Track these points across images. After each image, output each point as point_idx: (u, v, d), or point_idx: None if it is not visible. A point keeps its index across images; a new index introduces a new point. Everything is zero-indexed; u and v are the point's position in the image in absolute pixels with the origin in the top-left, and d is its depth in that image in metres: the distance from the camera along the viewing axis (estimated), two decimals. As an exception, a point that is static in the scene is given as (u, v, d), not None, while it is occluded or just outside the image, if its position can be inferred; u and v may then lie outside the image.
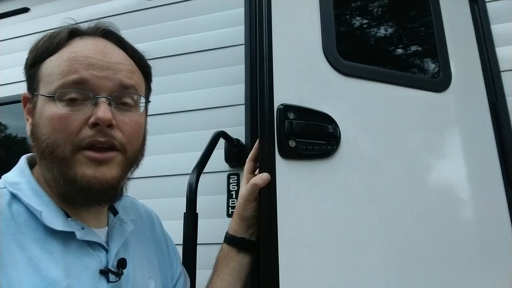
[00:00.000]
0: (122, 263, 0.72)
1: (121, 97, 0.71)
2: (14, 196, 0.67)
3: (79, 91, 0.67)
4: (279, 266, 0.85)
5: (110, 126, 0.68)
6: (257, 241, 0.93)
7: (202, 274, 0.99)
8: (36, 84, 0.71)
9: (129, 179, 0.75)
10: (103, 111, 0.66)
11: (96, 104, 0.67)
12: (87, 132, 0.66)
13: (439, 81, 1.24)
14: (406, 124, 1.12)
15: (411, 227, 1.02)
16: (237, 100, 1.57)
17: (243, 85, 1.43)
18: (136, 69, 0.77)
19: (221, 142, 1.43)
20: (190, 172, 1.20)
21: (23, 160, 0.75)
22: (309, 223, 0.91)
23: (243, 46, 1.49)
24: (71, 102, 0.67)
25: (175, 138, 1.65)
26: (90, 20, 0.77)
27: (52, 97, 0.67)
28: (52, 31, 0.74)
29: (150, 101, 0.81)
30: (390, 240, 0.98)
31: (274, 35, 0.98)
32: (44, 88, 0.69)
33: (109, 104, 0.68)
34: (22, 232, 0.63)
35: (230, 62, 1.65)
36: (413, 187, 1.07)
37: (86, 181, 0.66)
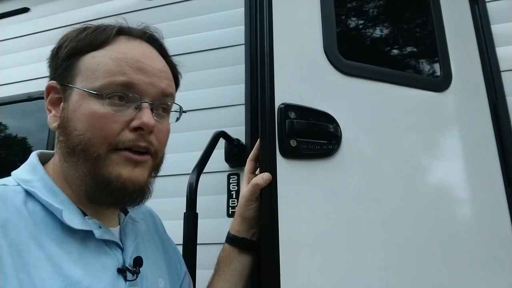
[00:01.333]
0: (138, 262, 0.72)
1: (160, 104, 0.72)
2: (28, 194, 0.65)
3: (125, 93, 0.67)
4: (280, 266, 0.84)
5: (151, 132, 0.69)
6: (259, 241, 0.93)
7: (202, 274, 0.99)
8: (72, 77, 0.69)
9: (153, 183, 0.76)
10: (148, 116, 0.67)
11: (139, 108, 0.68)
12: (127, 135, 0.67)
13: (439, 81, 1.24)
14: (406, 123, 1.12)
15: (411, 227, 1.02)
16: (237, 100, 1.56)
17: (243, 85, 1.43)
18: (172, 78, 0.78)
19: (221, 142, 1.43)
20: (190, 172, 1.20)
21: (34, 156, 0.73)
22: (310, 222, 0.91)
23: (243, 46, 1.49)
24: (114, 102, 0.66)
25: (175, 138, 1.64)
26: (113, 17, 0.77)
27: (95, 94, 0.66)
28: (96, 25, 0.73)
29: (185, 111, 0.81)
30: (390, 240, 0.98)
31: (275, 35, 0.98)
32: (85, 83, 0.67)
33: (152, 109, 0.69)
34: (40, 231, 0.62)
35: (230, 62, 1.65)
36: (413, 186, 1.07)
37: (122, 182, 0.66)
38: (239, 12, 1.61)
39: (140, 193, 0.70)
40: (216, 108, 1.64)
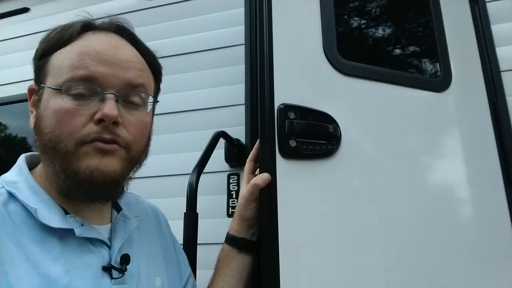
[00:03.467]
0: (125, 259, 0.71)
1: (129, 95, 0.70)
2: (11, 195, 0.66)
3: (86, 86, 0.66)
4: (280, 266, 0.84)
5: (115, 123, 0.66)
6: (258, 241, 0.93)
7: (202, 274, 0.99)
8: (44, 76, 0.70)
9: (131, 178, 0.74)
10: (109, 107, 0.65)
11: (103, 100, 0.66)
12: (92, 127, 0.65)
13: (439, 81, 1.24)
14: (406, 124, 1.12)
15: (411, 227, 1.02)
16: (237, 100, 1.56)
17: (243, 85, 1.43)
18: (147, 68, 0.76)
19: (221, 142, 1.43)
20: (190, 172, 1.20)
21: (21, 159, 0.74)
22: (309, 223, 0.91)
23: (243, 46, 1.49)
24: (78, 96, 0.66)
25: (175, 138, 1.65)
26: (106, 17, 0.77)
27: (59, 90, 0.66)
28: (65, 23, 0.73)
29: (158, 101, 0.80)
30: (390, 240, 0.98)
31: (275, 35, 0.98)
32: (52, 80, 0.68)
33: (116, 101, 0.67)
34: (19, 230, 0.63)
35: (230, 62, 1.65)
36: (413, 187, 1.07)
37: (89, 172, 0.65)
38: (239, 12, 1.61)
39: (112, 185, 0.68)
40: (216, 108, 1.64)
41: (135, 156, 0.72)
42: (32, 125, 0.71)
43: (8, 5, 2.14)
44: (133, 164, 0.73)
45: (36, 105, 0.71)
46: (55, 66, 0.69)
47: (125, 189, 0.74)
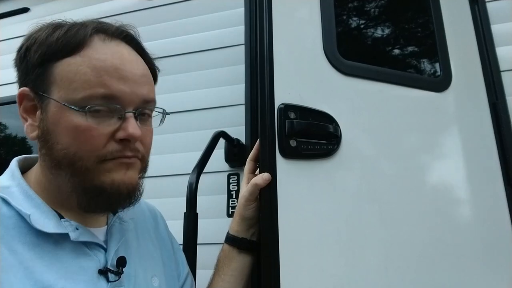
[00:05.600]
0: (121, 262, 0.71)
1: (143, 110, 0.70)
2: (4, 201, 0.65)
3: (106, 105, 0.64)
4: (280, 266, 0.84)
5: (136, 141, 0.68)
6: (258, 241, 0.93)
7: (202, 274, 0.99)
8: (47, 86, 0.65)
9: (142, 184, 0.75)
10: (134, 127, 0.65)
11: (123, 118, 0.66)
12: (114, 146, 0.65)
13: (439, 81, 1.24)
14: (406, 123, 1.12)
15: (411, 227, 1.02)
16: (237, 100, 1.57)
17: (243, 85, 1.43)
18: (152, 81, 0.76)
19: (221, 142, 1.43)
20: (190, 172, 1.20)
21: (14, 163, 0.72)
22: (310, 222, 0.91)
23: (243, 46, 1.49)
24: (96, 113, 0.64)
25: (175, 138, 1.65)
26: (106, 17, 0.74)
27: (73, 108, 0.63)
28: (67, 23, 0.69)
29: (169, 113, 0.79)
30: (390, 240, 0.98)
31: (275, 35, 0.98)
32: (62, 94, 0.64)
33: (135, 118, 0.67)
34: (12, 236, 0.62)
35: (230, 62, 1.65)
36: (413, 186, 1.07)
37: (116, 186, 0.66)
38: (239, 12, 1.61)
39: (133, 194, 0.70)
40: (216, 108, 1.64)
41: (145, 165, 0.74)
42: (32, 136, 0.68)
43: (8, 5, 2.14)
44: (144, 172, 0.74)
45: (31, 112, 0.68)
46: (64, 77, 0.64)
47: (141, 194, 0.74)
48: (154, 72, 0.78)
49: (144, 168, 0.73)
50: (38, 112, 0.67)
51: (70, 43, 0.65)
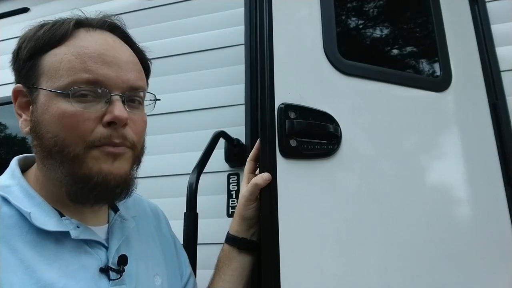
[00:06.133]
0: (123, 260, 0.71)
1: (131, 97, 0.70)
2: (4, 200, 0.65)
3: (92, 89, 0.65)
4: (280, 266, 0.84)
5: (124, 125, 0.67)
6: (258, 241, 0.93)
7: (202, 274, 0.99)
8: (36, 78, 0.67)
9: (136, 176, 0.75)
10: (120, 109, 0.65)
11: (109, 102, 0.66)
12: (101, 131, 0.65)
13: (439, 81, 1.24)
14: (406, 123, 1.12)
15: (411, 227, 1.02)
16: (237, 100, 1.57)
17: (243, 85, 1.43)
18: (141, 66, 0.76)
19: (221, 142, 1.43)
20: (190, 172, 1.20)
21: (14, 162, 0.73)
22: (310, 222, 0.91)
23: (243, 46, 1.49)
24: (82, 98, 0.65)
25: (175, 138, 1.65)
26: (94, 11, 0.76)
27: (61, 93, 0.64)
28: (53, 20, 0.70)
29: (159, 99, 0.78)
30: (390, 240, 0.98)
31: (275, 34, 0.98)
32: (49, 83, 0.65)
33: (123, 102, 0.67)
34: (13, 235, 0.62)
35: (230, 62, 1.65)
36: (413, 186, 1.07)
37: (103, 176, 0.65)
38: (239, 12, 1.61)
39: (124, 186, 0.69)
40: (216, 108, 1.64)
41: (139, 154, 0.73)
42: (26, 130, 0.69)
43: (8, 5, 2.14)
44: (137, 163, 0.74)
45: (25, 107, 0.69)
46: (51, 67, 0.66)
47: (134, 187, 0.74)
48: (145, 62, 0.78)
49: (136, 159, 0.72)
50: (31, 107, 0.68)
51: (55, 35, 0.67)
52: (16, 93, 0.70)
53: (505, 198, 1.17)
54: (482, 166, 1.19)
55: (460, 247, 1.07)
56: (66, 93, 0.64)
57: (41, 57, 0.67)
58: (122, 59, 0.69)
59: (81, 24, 0.70)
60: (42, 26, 0.70)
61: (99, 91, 0.65)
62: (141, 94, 0.73)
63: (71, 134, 0.64)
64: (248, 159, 1.01)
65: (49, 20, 0.71)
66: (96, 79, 0.65)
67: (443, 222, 1.07)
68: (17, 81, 0.71)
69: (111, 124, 0.65)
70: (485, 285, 1.07)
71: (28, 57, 0.68)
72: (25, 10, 2.10)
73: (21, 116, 0.70)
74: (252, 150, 1.01)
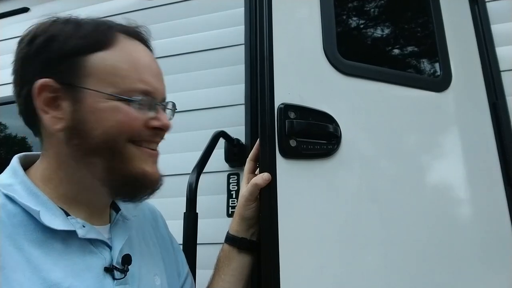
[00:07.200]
0: (127, 260, 0.71)
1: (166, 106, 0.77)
2: (8, 198, 0.64)
3: (144, 97, 0.70)
4: (280, 266, 0.84)
5: None
6: (258, 241, 0.93)
7: (202, 274, 0.99)
8: (80, 78, 0.67)
9: None
10: (166, 118, 0.75)
11: (156, 110, 0.72)
12: (147, 131, 0.71)
13: (439, 81, 1.24)
14: (406, 123, 1.12)
15: (411, 227, 1.02)
16: (237, 100, 1.57)
17: (243, 85, 1.43)
18: None
19: (221, 142, 1.43)
20: (190, 172, 1.20)
21: (15, 160, 0.72)
22: (310, 222, 0.91)
23: (243, 46, 1.49)
24: (134, 103, 0.69)
25: (175, 138, 1.65)
26: (113, 14, 0.77)
27: (118, 97, 0.67)
28: (87, 19, 0.73)
29: (176, 109, 0.84)
30: (390, 240, 0.98)
31: (275, 35, 0.98)
32: (101, 86, 0.67)
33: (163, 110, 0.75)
34: (19, 234, 0.62)
35: (230, 62, 1.65)
36: (413, 186, 1.07)
37: (155, 179, 0.73)
38: (239, 12, 1.61)
39: (158, 187, 0.75)
40: (216, 108, 1.64)
41: None
42: (57, 127, 0.67)
43: (8, 5, 2.14)
44: None
45: (51, 104, 0.67)
46: (102, 70, 0.67)
47: None
48: None
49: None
50: (66, 104, 0.67)
51: (101, 39, 0.69)
52: (42, 87, 0.66)
53: (505, 198, 1.17)
54: (482, 166, 1.19)
55: (460, 247, 1.07)
56: (125, 98, 0.68)
57: (84, 57, 0.67)
58: (160, 72, 0.76)
59: (119, 30, 0.73)
60: (78, 25, 0.70)
61: (150, 100, 0.71)
62: (170, 104, 0.79)
63: (123, 130, 0.68)
64: (248, 159, 1.01)
65: (76, 17, 0.73)
66: (149, 90, 0.71)
67: (443, 222, 1.07)
68: (41, 74, 0.67)
69: (155, 129, 0.72)
70: (485, 285, 1.07)
71: (69, 54, 0.67)
72: (25, 10, 2.10)
73: (46, 113, 0.67)
74: (252, 150, 1.01)
